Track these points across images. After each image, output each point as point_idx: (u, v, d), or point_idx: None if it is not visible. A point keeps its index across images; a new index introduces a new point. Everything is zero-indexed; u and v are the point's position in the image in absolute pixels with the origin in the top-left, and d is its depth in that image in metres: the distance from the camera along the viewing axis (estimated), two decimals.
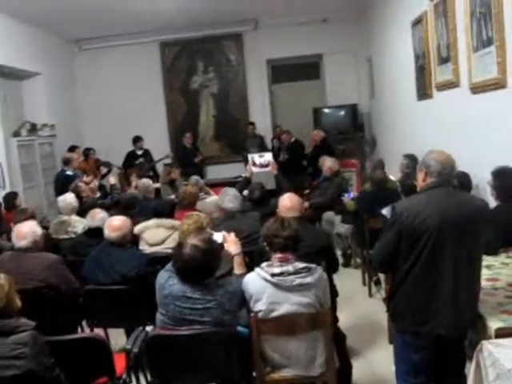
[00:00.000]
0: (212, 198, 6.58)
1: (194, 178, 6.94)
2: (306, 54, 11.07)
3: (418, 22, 6.49)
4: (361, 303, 5.77)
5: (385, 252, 2.97)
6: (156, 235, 4.94)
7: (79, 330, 4.43)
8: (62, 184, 8.23)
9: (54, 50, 10.69)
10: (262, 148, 10.33)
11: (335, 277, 4.20)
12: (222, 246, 3.65)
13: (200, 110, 11.61)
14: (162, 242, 4.97)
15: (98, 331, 4.17)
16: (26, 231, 4.24)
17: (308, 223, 4.13)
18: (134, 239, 5.03)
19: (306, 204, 7.59)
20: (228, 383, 3.16)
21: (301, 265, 3.09)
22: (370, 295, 5.92)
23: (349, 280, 6.33)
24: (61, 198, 6.52)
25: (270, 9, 10.20)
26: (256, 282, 3.11)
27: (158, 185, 9.56)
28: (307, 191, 8.58)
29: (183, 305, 3.00)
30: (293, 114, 11.53)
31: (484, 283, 3.11)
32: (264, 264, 3.14)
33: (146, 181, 7.08)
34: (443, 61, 5.67)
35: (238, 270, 3.53)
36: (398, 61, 7.95)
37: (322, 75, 11.61)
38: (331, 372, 3.17)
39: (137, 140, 10.38)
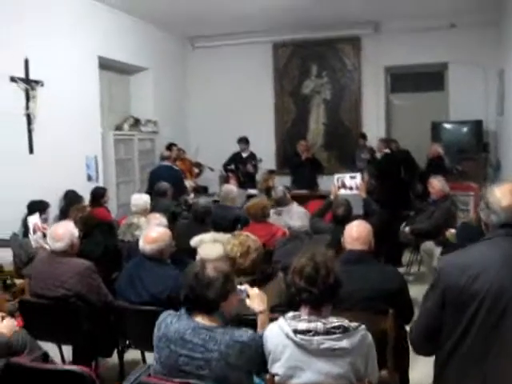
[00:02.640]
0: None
1: (280, 188, 6.27)
2: (429, 62, 10.08)
3: None
4: None
5: (425, 325, 2.29)
6: (211, 251, 4.34)
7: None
8: (157, 177, 7.93)
9: (166, 47, 10.52)
10: (372, 160, 9.48)
11: None
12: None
13: (310, 116, 10.94)
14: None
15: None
16: (63, 232, 3.83)
17: (374, 260, 3.36)
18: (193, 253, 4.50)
19: (408, 229, 6.75)
20: None
21: (335, 322, 2.34)
22: None
23: None
24: (135, 197, 6.13)
25: (392, 11, 9.35)
26: (276, 336, 2.41)
27: (253, 191, 9.06)
28: (412, 213, 7.68)
29: (179, 350, 2.37)
30: (410, 127, 10.59)
31: None
32: (289, 314, 2.43)
33: (229, 187, 6.52)
34: None
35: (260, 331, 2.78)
36: None
37: (445, 86, 10.55)
38: None
39: (242, 141, 9.85)
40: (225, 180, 9.53)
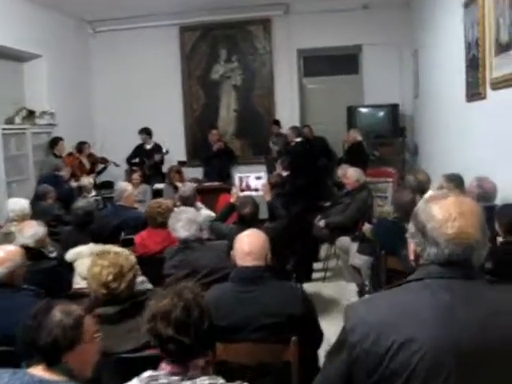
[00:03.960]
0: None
1: (189, 185, 5.62)
2: (342, 44, 9.65)
3: (471, 0, 5.02)
4: None
5: None
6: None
7: None
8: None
9: (62, 32, 9.53)
10: (285, 151, 8.96)
11: None
12: None
13: (220, 103, 10.30)
14: None
15: None
16: None
17: (273, 278, 2.77)
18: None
19: (322, 223, 6.28)
20: None
21: (205, 381, 1.74)
22: None
23: None
24: (12, 201, 5.35)
25: None
26: None
27: (160, 186, 8.38)
28: (328, 204, 7.24)
29: None
30: (325, 112, 10.21)
31: None
32: (145, 374, 1.82)
33: (122, 185, 5.81)
34: (503, 49, 4.20)
35: None
36: (446, 54, 6.48)
37: (359, 69, 10.19)
38: None
39: (143, 132, 9.14)
40: (129, 175, 8.81)
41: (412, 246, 1.61)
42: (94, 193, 7.98)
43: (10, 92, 8.73)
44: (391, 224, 4.22)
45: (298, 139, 8.74)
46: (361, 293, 5.57)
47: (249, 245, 2.76)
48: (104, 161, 9.15)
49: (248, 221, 4.40)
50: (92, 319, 2.08)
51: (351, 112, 9.43)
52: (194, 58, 10.22)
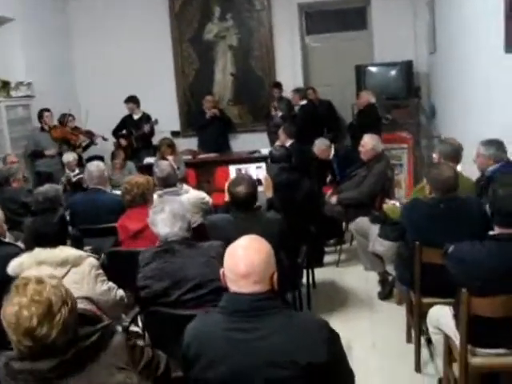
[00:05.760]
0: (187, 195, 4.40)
1: (164, 163, 4.72)
2: None
3: None
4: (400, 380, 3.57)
5: None
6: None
7: None
8: None
9: None
10: (289, 116, 8.09)
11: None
12: None
13: (215, 66, 9.36)
14: None
15: None
16: None
17: (282, 310, 1.91)
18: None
19: (334, 199, 5.45)
20: None
21: None
22: (418, 368, 3.65)
23: (386, 327, 4.21)
24: None
25: None
26: None
27: (150, 160, 7.54)
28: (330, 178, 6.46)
29: None
30: (330, 73, 9.25)
31: None
32: None
33: (93, 165, 4.94)
34: None
35: None
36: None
37: (368, 24, 9.22)
38: None
39: (130, 100, 8.25)
40: (115, 149, 7.96)
41: None
42: (77, 170, 7.14)
43: None
44: (428, 207, 3.35)
45: (303, 102, 7.89)
46: (383, 283, 4.75)
47: (246, 262, 1.90)
48: (90, 134, 8.25)
49: (243, 203, 3.56)
50: None
51: (360, 72, 8.51)
52: (185, 17, 9.24)
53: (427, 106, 8.53)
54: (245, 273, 1.88)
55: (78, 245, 3.67)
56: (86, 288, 2.90)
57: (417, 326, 3.57)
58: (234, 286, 1.91)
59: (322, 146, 6.46)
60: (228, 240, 3.24)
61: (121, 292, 3.15)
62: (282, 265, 3.23)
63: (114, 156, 7.44)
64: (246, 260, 1.91)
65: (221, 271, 1.98)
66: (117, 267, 3.58)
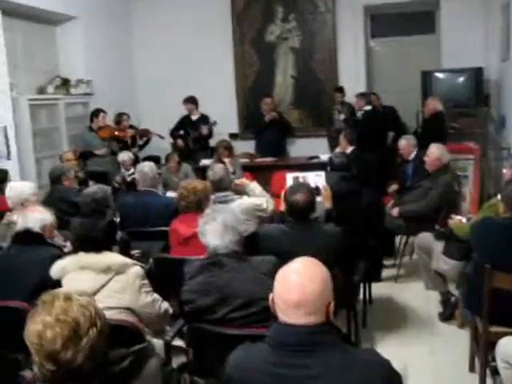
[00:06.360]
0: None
1: (218, 166, 4.55)
2: None
3: None
4: None
5: None
6: (79, 284, 2.65)
7: None
8: None
9: None
10: (351, 121, 7.85)
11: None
12: None
13: (276, 68, 9.18)
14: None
15: None
16: None
17: (338, 345, 1.67)
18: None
19: (396, 211, 5.18)
20: None
21: None
22: None
23: (447, 352, 3.93)
24: (10, 185, 4.51)
25: None
26: None
27: (207, 162, 7.43)
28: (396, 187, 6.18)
29: None
30: (395, 78, 9.00)
31: None
32: None
33: (143, 166, 4.85)
34: None
35: None
36: None
37: (437, 28, 8.88)
38: None
39: (188, 101, 8.15)
40: (172, 149, 7.87)
41: None
42: (133, 169, 7.07)
43: (42, 59, 7.90)
44: (503, 228, 3.06)
45: (368, 107, 7.62)
46: (445, 303, 4.45)
47: (299, 290, 1.67)
48: (146, 133, 8.20)
49: (300, 213, 3.35)
50: None
51: (426, 78, 8.19)
52: (247, 17, 9.11)
53: (496, 115, 8.12)
54: (297, 302, 1.66)
55: (125, 248, 3.56)
56: (128, 298, 2.76)
57: (482, 355, 3.27)
58: (284, 316, 1.69)
59: (408, 142, 6.12)
60: (282, 252, 3.06)
61: (165, 305, 2.99)
62: (337, 281, 3.02)
63: (167, 159, 7.34)
64: (298, 288, 1.69)
65: (270, 296, 1.77)
66: (164, 274, 3.46)
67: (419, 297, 4.84)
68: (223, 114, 8.58)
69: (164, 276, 3.31)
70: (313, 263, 1.79)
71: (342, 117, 7.81)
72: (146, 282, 2.88)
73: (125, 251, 3.26)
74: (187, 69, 9.05)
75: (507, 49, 7.39)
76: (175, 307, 3.13)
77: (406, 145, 6.07)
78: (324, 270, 1.76)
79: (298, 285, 1.69)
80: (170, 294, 3.14)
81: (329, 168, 5.13)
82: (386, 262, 5.58)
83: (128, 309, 2.73)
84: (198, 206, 3.77)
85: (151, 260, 3.75)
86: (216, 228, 2.64)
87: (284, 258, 3.03)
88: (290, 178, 4.73)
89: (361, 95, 7.95)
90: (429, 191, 5.16)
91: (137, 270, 2.86)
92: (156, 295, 2.94)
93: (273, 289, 1.79)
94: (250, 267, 2.62)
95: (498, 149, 7.94)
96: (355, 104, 7.94)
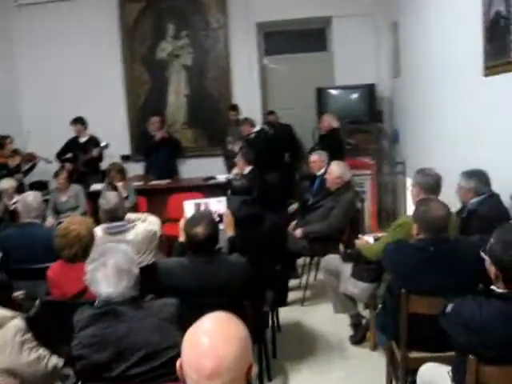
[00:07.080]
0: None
1: (112, 194, 4.15)
2: (309, 16, 8.36)
3: None
4: None
5: None
6: None
7: None
8: None
9: None
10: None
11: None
12: None
13: (169, 86, 8.86)
14: None
15: None
16: None
17: None
18: None
19: (299, 232, 5.02)
20: None
21: None
22: None
23: (363, 377, 3.82)
24: None
25: None
26: None
27: (98, 186, 6.99)
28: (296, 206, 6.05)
29: None
30: (290, 96, 8.89)
31: None
32: None
33: (26, 196, 4.42)
34: None
35: None
36: (441, 20, 5.28)
37: (329, 46, 8.91)
38: None
39: (77, 122, 7.67)
40: (55, 174, 7.32)
41: None
42: (17, 198, 6.49)
43: None
44: (418, 251, 2.91)
45: (256, 129, 7.48)
46: (355, 326, 4.31)
47: (212, 357, 1.38)
48: (32, 157, 7.60)
49: (201, 246, 3.07)
50: None
51: (321, 95, 8.17)
52: (137, 34, 8.74)
53: (390, 131, 8.23)
54: (210, 372, 1.37)
55: (5, 292, 3.12)
56: (7, 357, 2.34)
57: (403, 382, 3.12)
58: None
59: (320, 157, 5.96)
60: (184, 289, 2.75)
61: (54, 360, 2.57)
62: (246, 315, 2.78)
63: (56, 175, 6.81)
64: (211, 353, 1.39)
65: (178, 362, 1.47)
66: (52, 320, 3.02)
67: (328, 320, 4.67)
68: (114, 135, 8.10)
69: (53, 323, 2.88)
70: (226, 319, 1.49)
71: (236, 148, 7.52)
72: (28, 336, 2.46)
73: (4, 296, 2.82)
74: (74, 87, 8.55)
75: (397, 66, 7.52)
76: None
77: (318, 159, 5.93)
78: (240, 327, 1.47)
79: (211, 349, 1.39)
80: (60, 344, 2.73)
81: (229, 192, 4.89)
82: (290, 284, 5.40)
83: (7, 370, 2.32)
84: (85, 252, 3.16)
85: (37, 302, 3.30)
86: (109, 274, 2.28)
87: (187, 294, 2.76)
88: (190, 205, 4.40)
89: (244, 120, 7.77)
90: (331, 210, 5.04)
91: (16, 323, 2.44)
92: (41, 350, 2.52)
93: (177, 336, 1.49)
94: (149, 314, 2.27)
95: (392, 163, 8.04)
96: (242, 131, 7.73)
